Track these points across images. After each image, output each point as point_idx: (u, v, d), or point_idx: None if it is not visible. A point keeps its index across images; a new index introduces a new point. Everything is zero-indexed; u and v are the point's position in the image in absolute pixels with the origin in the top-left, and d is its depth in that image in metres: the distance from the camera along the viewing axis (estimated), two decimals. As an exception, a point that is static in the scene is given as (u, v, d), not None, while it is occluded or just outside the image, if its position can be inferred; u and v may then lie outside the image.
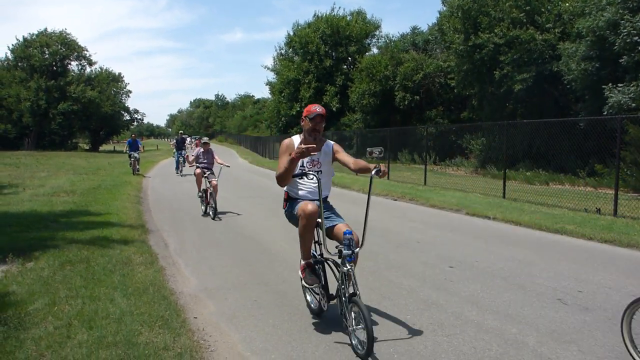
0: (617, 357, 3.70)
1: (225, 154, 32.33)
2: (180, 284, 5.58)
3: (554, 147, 17.09)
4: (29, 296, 4.65)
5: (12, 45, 54.86)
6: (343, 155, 4.33)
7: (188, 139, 32.50)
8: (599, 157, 15.93)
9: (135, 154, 21.33)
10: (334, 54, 40.82)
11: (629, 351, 3.49)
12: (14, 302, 4.48)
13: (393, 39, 38.62)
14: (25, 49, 53.24)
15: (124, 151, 24.57)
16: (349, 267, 3.78)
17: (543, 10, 21.75)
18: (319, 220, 4.08)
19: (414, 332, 4.16)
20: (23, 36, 54.87)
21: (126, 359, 3.42)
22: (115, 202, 11.66)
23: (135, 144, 21.92)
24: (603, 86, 15.82)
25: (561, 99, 21.32)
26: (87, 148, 62.09)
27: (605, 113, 15.36)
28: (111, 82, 62.47)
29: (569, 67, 17.98)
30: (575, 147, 15.93)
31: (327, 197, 4.40)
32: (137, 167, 21.45)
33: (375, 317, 4.50)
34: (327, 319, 4.42)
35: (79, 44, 56.39)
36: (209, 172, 10.92)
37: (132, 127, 74.95)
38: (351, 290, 3.79)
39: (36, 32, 54.74)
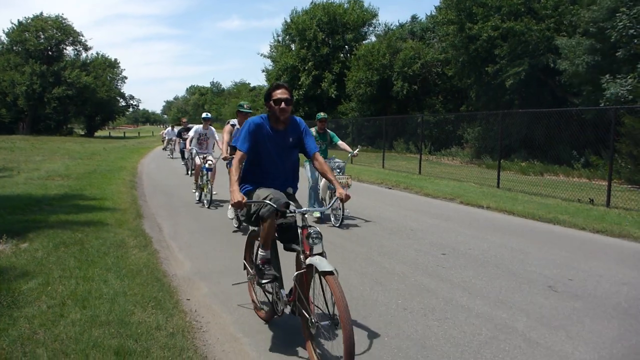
0: (604, 342, 3.74)
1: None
2: (173, 266, 5.60)
3: (550, 138, 17.15)
4: (22, 276, 4.66)
5: (7, 29, 54.28)
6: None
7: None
8: (594, 148, 16.00)
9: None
10: (330, 41, 40.60)
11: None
12: (7, 281, 4.49)
13: (391, 27, 38.43)
14: (21, 33, 52.60)
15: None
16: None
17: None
18: None
19: (405, 316, 4.20)
20: (18, 20, 54.07)
21: (119, 338, 3.44)
22: (110, 187, 11.63)
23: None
24: (601, 77, 15.81)
25: (558, 91, 21.34)
26: (83, 133, 61.85)
27: (603, 105, 15.37)
28: (107, 68, 62.00)
29: (572, 61, 17.83)
30: (571, 139, 15.98)
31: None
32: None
33: (367, 301, 4.55)
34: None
35: (75, 29, 55.87)
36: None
37: (127, 113, 74.11)
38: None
39: (32, 16, 54.18)
